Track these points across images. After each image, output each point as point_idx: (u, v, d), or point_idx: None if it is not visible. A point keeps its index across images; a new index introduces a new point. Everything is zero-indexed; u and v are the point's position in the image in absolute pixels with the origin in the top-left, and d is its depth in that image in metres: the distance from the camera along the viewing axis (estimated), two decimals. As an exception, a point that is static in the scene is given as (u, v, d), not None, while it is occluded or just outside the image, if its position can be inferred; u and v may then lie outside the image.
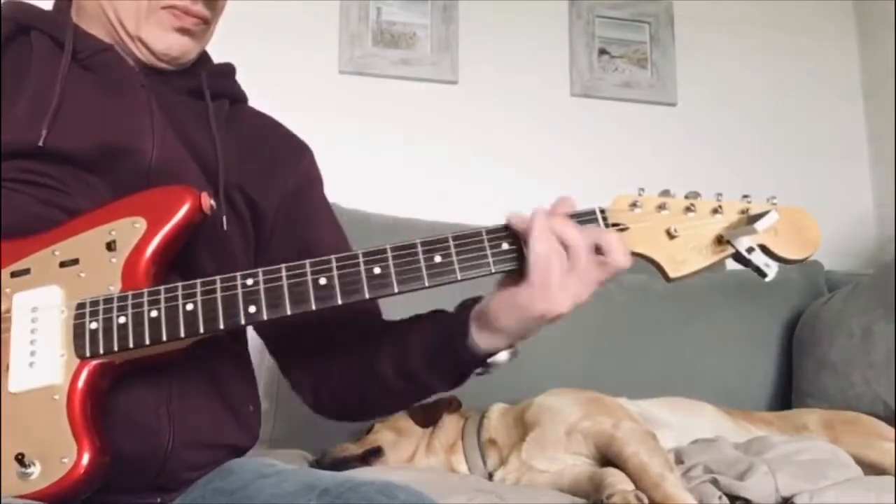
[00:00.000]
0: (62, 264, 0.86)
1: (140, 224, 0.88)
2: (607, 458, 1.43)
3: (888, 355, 1.87)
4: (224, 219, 0.97)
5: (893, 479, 1.40)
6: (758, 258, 0.87)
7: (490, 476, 1.56)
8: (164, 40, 0.98)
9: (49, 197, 0.89)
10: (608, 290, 2.06)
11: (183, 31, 0.99)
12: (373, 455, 1.59)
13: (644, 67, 2.53)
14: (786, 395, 2.11)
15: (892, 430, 1.64)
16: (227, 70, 1.12)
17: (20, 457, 0.77)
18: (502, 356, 0.92)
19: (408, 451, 1.61)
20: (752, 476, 1.33)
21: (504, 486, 1.48)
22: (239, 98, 1.11)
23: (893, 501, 1.30)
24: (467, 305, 0.93)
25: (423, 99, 2.35)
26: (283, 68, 2.20)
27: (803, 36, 2.68)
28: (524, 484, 1.48)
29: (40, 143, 0.88)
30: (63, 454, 0.79)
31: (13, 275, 0.86)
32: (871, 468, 1.51)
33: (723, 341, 2.12)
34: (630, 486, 1.32)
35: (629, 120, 2.49)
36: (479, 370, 0.94)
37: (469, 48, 2.39)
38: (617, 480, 1.33)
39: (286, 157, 1.10)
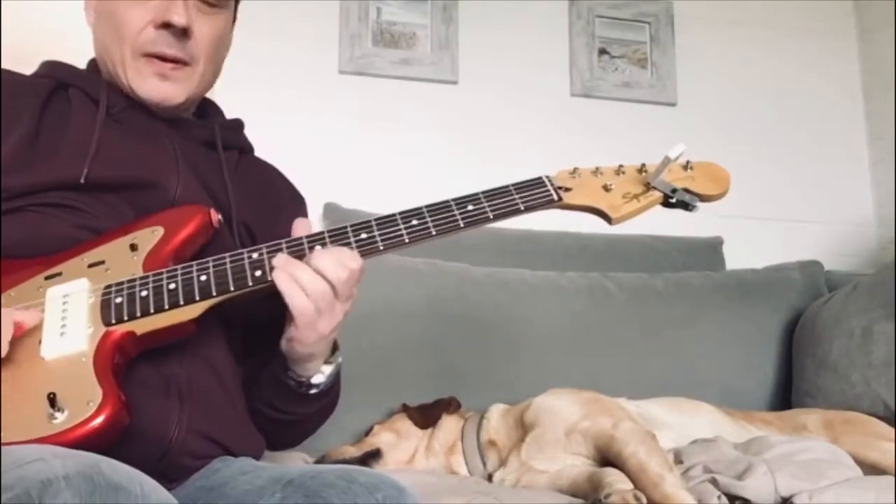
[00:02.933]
0: (90, 265, 0.98)
1: (158, 231, 1.01)
2: (607, 459, 1.43)
3: (888, 355, 1.87)
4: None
5: (893, 479, 1.40)
6: (681, 195, 1.05)
7: (490, 477, 1.56)
8: (143, 87, 1.08)
9: (82, 221, 1.01)
10: (608, 290, 2.10)
11: (161, 76, 1.08)
12: (372, 457, 1.59)
13: (644, 67, 2.53)
14: (786, 395, 2.11)
15: (892, 430, 1.64)
16: (237, 125, 1.25)
17: (52, 396, 0.83)
18: (320, 378, 1.06)
19: (407, 453, 1.61)
20: (751, 476, 1.33)
21: (503, 487, 1.48)
22: (247, 149, 1.24)
23: (893, 501, 1.30)
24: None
25: (423, 99, 2.35)
26: (283, 68, 2.20)
27: (803, 36, 2.68)
28: (524, 484, 1.48)
29: (82, 181, 1.00)
30: (90, 398, 0.85)
31: (46, 278, 0.98)
32: (871, 468, 1.51)
33: (723, 341, 2.12)
34: (629, 486, 1.32)
35: (629, 120, 2.49)
36: (313, 391, 1.07)
37: (469, 48, 2.39)
38: (616, 480, 1.33)
39: (287, 204, 1.24)
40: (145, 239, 1.00)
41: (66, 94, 1.09)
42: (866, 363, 1.91)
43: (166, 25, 1.05)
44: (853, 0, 2.75)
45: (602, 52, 2.51)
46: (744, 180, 2.50)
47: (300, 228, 1.02)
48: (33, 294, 0.96)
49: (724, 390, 2.01)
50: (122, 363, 0.92)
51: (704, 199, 1.06)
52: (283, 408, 1.09)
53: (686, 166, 1.08)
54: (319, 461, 1.55)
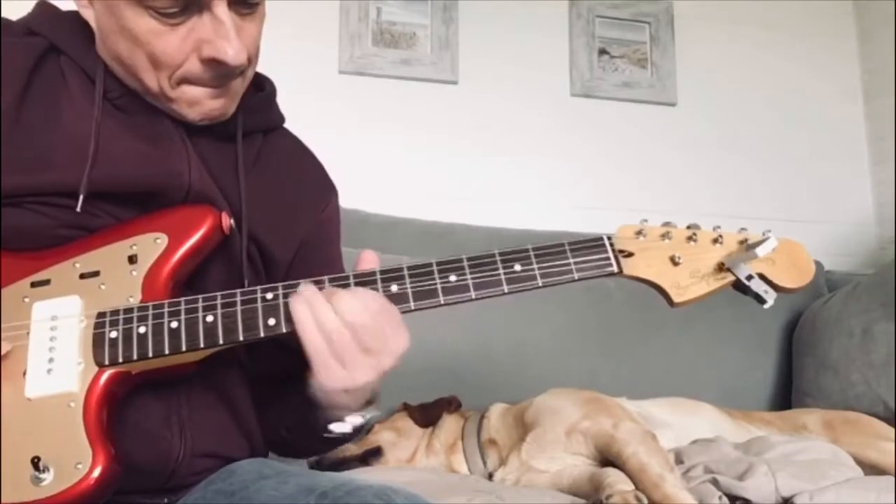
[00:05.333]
0: (82, 276, 0.87)
1: (161, 240, 0.89)
2: (607, 459, 1.43)
3: (888, 355, 1.87)
4: (244, 269, 0.97)
5: (893, 479, 1.40)
6: (757, 285, 0.91)
7: (490, 476, 1.56)
8: (190, 112, 0.93)
9: (74, 220, 0.89)
10: (608, 290, 2.10)
11: (213, 96, 0.92)
12: (372, 455, 1.59)
13: (644, 67, 2.53)
14: (786, 395, 2.11)
15: (892, 430, 1.64)
16: (267, 98, 1.07)
17: (36, 460, 0.77)
18: (355, 421, 0.95)
19: (408, 452, 1.61)
20: (751, 476, 1.33)
21: (503, 486, 1.48)
22: (275, 125, 1.08)
23: (893, 501, 1.30)
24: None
25: (423, 99, 2.35)
26: (283, 68, 2.18)
27: (803, 36, 2.68)
28: (524, 484, 1.48)
29: (78, 208, 0.87)
30: (78, 460, 0.79)
31: (33, 285, 0.87)
32: (871, 468, 1.51)
33: (723, 341, 2.12)
34: (630, 487, 1.32)
35: (629, 120, 2.49)
36: (331, 435, 0.96)
37: (469, 48, 2.39)
38: (616, 480, 1.33)
39: (312, 200, 1.09)
40: (146, 249, 0.88)
41: (58, 62, 0.92)
42: (866, 363, 1.91)
43: (215, 61, 0.87)
44: (853, 0, 2.75)
45: (602, 52, 2.51)
46: (743, 180, 2.52)
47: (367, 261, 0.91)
48: (18, 306, 0.86)
49: (724, 390, 2.01)
50: (115, 404, 0.85)
51: (781, 290, 0.93)
52: (301, 440, 1.02)
53: None
54: (320, 459, 1.55)
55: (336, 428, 0.95)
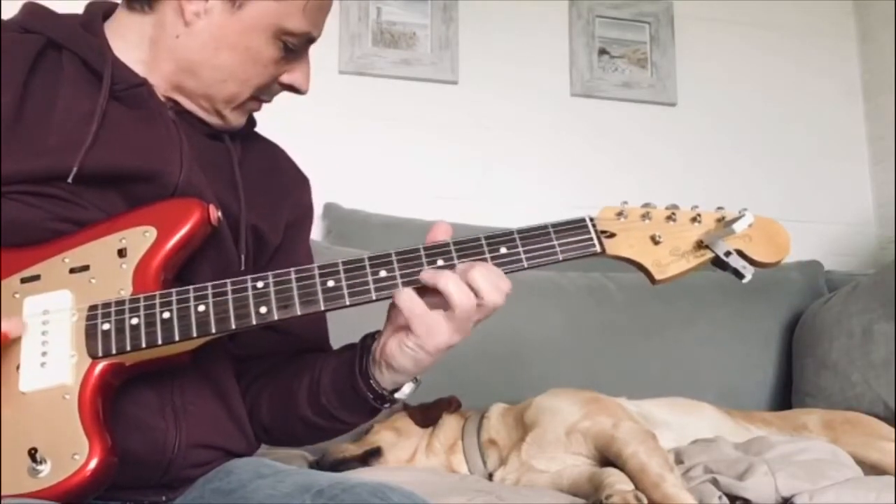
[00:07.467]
0: (72, 270, 0.88)
1: (150, 233, 0.90)
2: (607, 459, 1.43)
3: (888, 355, 1.87)
4: (242, 258, 1.01)
5: (893, 479, 1.40)
6: (735, 261, 0.93)
7: (490, 476, 1.56)
8: (239, 120, 1.05)
9: (64, 212, 0.90)
10: (608, 290, 2.11)
11: (255, 111, 1.08)
12: (372, 456, 1.59)
13: (644, 67, 2.53)
14: (786, 395, 2.11)
15: (892, 430, 1.64)
16: None
17: (33, 451, 0.78)
18: (407, 389, 0.98)
19: (407, 452, 1.61)
20: (751, 476, 1.33)
21: (504, 486, 1.48)
22: (250, 128, 1.13)
23: (893, 501, 1.30)
24: (368, 344, 0.98)
25: (423, 99, 2.35)
26: (282, 68, 2.19)
27: (803, 36, 2.68)
28: (524, 484, 1.48)
29: (69, 180, 0.89)
30: (75, 451, 0.79)
31: (23, 280, 0.88)
32: (871, 468, 1.51)
33: (723, 341, 2.12)
34: (629, 486, 1.32)
35: (629, 120, 2.49)
36: (386, 405, 0.99)
37: (469, 48, 2.39)
38: (616, 480, 1.33)
39: (290, 191, 1.15)
40: (135, 242, 0.89)
41: (59, 57, 0.95)
42: (866, 363, 1.91)
43: (293, 89, 1.04)
44: (853, 0, 2.76)
45: (602, 52, 2.51)
46: (743, 180, 2.52)
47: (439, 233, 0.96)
48: (9, 301, 0.87)
49: (724, 390, 2.01)
50: (110, 395, 0.86)
51: (758, 266, 0.95)
52: (343, 417, 1.02)
53: None
54: (319, 459, 1.55)
55: (399, 394, 0.97)
